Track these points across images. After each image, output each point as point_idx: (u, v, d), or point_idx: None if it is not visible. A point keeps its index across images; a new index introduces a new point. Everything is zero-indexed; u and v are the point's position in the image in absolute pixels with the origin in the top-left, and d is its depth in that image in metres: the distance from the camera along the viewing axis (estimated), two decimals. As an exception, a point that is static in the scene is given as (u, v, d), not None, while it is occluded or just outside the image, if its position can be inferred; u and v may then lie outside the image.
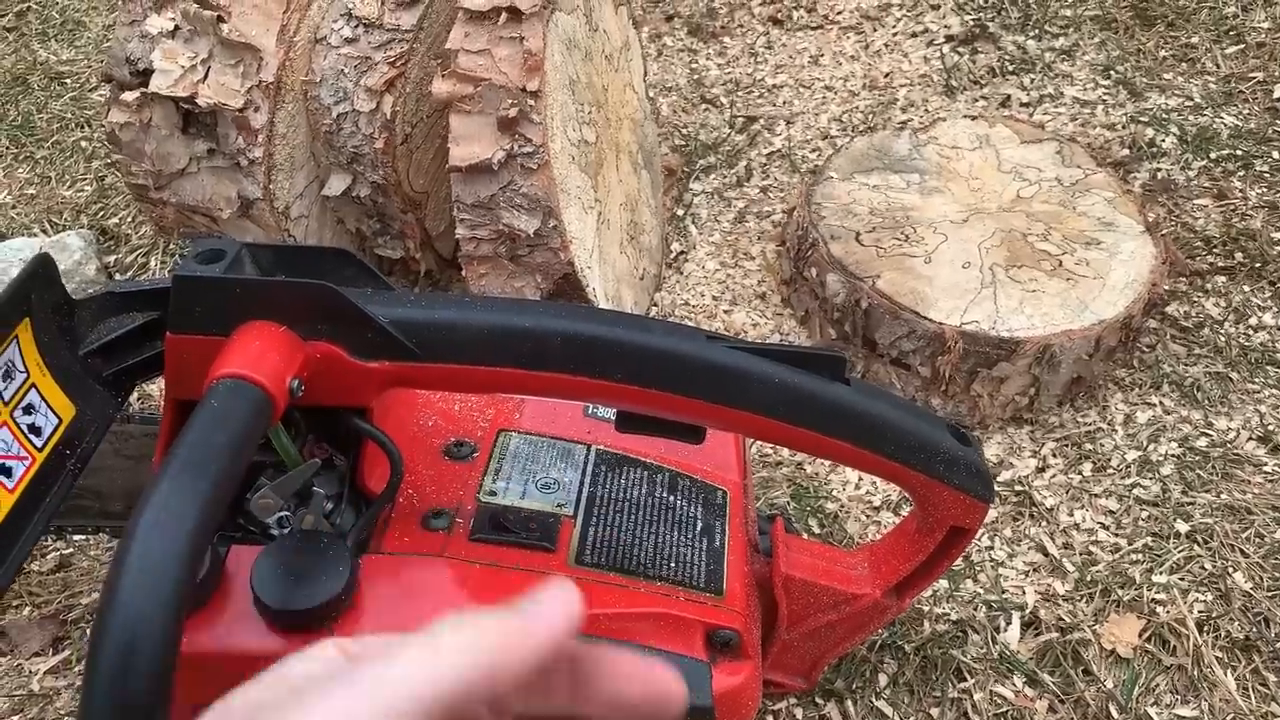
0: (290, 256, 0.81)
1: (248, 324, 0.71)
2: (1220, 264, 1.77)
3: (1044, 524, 1.42)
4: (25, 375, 0.78)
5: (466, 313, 0.76)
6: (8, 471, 0.77)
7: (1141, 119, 2.07)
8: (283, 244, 1.00)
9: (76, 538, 1.41)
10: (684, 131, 2.16)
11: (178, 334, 0.74)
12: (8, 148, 2.24)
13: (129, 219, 2.00)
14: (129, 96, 1.50)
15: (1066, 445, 1.53)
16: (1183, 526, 1.39)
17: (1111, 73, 2.19)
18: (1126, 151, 2.01)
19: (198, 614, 0.76)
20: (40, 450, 0.79)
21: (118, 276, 1.90)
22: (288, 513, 0.81)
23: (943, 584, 1.34)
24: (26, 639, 1.32)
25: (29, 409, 0.79)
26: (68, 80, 2.43)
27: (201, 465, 0.60)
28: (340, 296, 0.72)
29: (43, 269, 0.79)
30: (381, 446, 0.81)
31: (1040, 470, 1.50)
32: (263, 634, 0.75)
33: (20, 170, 2.18)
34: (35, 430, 0.79)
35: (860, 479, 1.48)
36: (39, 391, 0.80)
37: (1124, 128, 2.05)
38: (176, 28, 1.49)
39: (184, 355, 0.74)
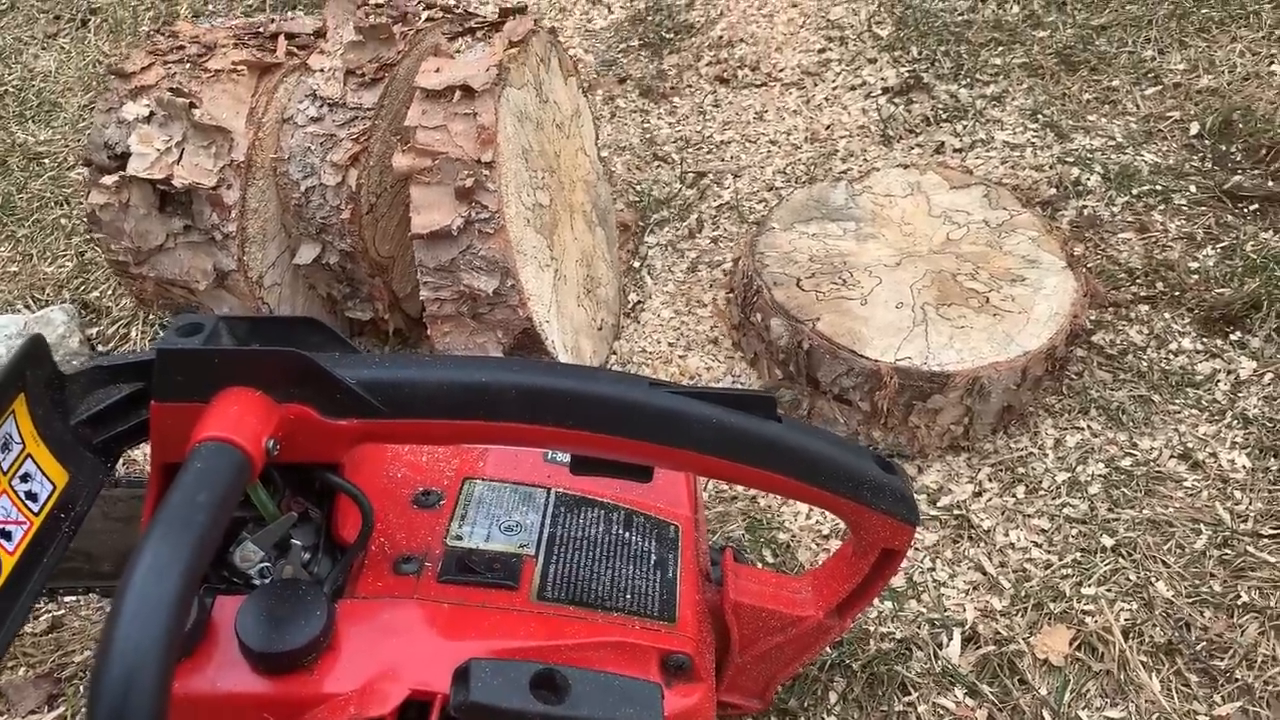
0: (263, 327, 0.88)
1: (226, 390, 0.78)
2: (1143, 293, 1.88)
3: (982, 545, 1.50)
4: (22, 446, 0.85)
5: (427, 371, 0.84)
6: (8, 535, 0.83)
7: (1068, 159, 2.19)
8: (256, 315, 1.07)
9: (68, 599, 1.46)
10: (638, 188, 2.27)
11: (162, 402, 0.81)
12: (-11, 228, 2.31)
13: (110, 292, 2.07)
14: (108, 179, 1.58)
15: (1001, 470, 1.62)
16: (1108, 541, 1.48)
17: (1039, 116, 2.32)
18: (1054, 191, 2.13)
19: (188, 659, 0.82)
20: (37, 515, 0.85)
21: (100, 348, 1.96)
22: (268, 563, 0.88)
23: (888, 604, 1.42)
24: (23, 698, 1.37)
25: (26, 477, 0.85)
26: (46, 160, 2.50)
27: (187, 521, 0.67)
28: (310, 361, 0.79)
29: (35, 349, 0.86)
30: (353, 499, 0.88)
31: (977, 495, 1.59)
32: (248, 676, 0.82)
33: (2, 249, 2.25)
34: (32, 496, 0.85)
35: (810, 510, 1.56)
36: (34, 461, 0.86)
37: (1051, 168, 2.17)
38: (152, 113, 1.59)
39: (168, 421, 0.81)
